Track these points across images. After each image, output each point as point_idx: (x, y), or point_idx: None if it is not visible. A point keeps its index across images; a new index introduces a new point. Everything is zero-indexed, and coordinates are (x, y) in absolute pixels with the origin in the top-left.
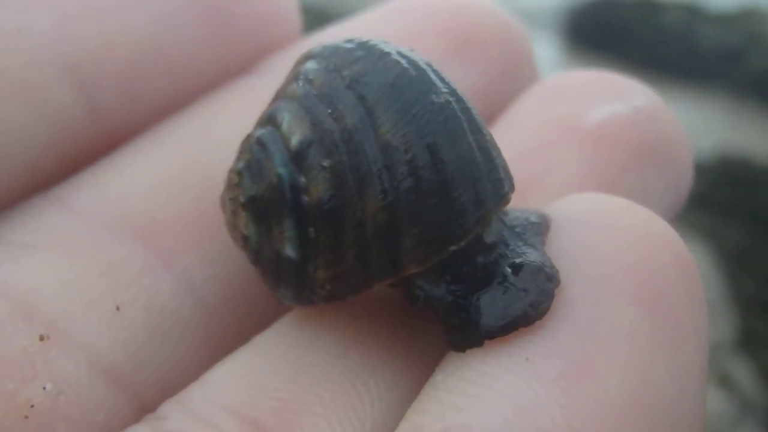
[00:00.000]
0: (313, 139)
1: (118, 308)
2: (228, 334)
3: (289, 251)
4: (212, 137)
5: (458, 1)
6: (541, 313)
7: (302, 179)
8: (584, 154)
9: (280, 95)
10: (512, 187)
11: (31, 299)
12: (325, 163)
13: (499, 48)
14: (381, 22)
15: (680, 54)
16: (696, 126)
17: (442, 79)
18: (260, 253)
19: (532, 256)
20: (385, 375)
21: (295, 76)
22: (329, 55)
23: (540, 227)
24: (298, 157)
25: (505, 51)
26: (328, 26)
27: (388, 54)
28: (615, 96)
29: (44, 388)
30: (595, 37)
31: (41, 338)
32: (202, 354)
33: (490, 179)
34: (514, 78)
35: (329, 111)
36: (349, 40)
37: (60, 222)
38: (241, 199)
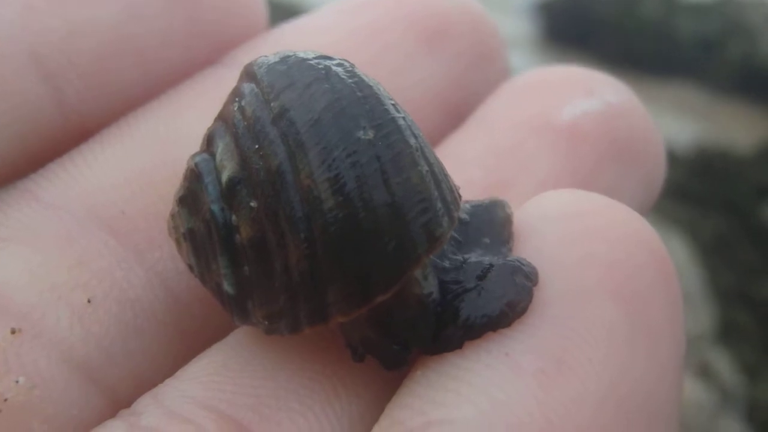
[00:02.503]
0: (242, 177)
1: (89, 301)
2: (201, 329)
3: (227, 287)
4: (180, 130)
5: None
6: (519, 311)
7: (233, 217)
8: (558, 151)
9: (221, 115)
10: (452, 222)
11: (1, 292)
12: (252, 203)
13: (469, 40)
14: (349, 14)
15: (657, 45)
16: (673, 117)
17: (375, 107)
18: (205, 282)
19: (503, 258)
20: (363, 371)
21: (234, 95)
22: (261, 78)
23: (499, 225)
24: (228, 194)
25: (475, 43)
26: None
27: (319, 81)
28: (587, 92)
29: (17, 381)
30: (571, 31)
31: (12, 331)
32: (175, 349)
33: (420, 222)
34: (485, 70)
35: (256, 147)
36: (285, 58)
37: (30, 215)
38: (182, 229)
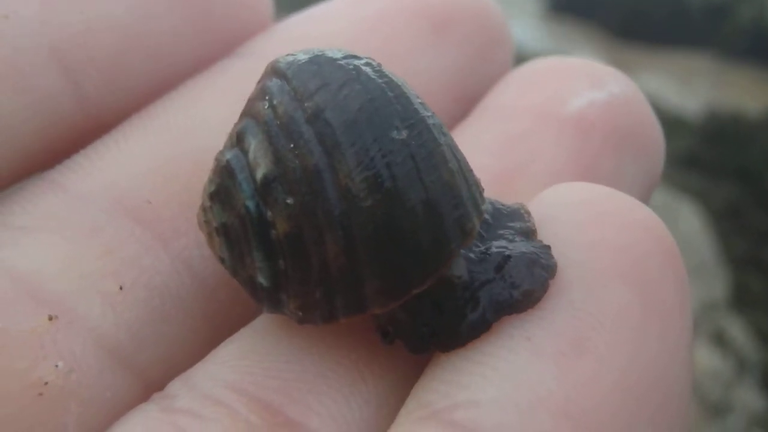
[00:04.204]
0: (277, 174)
1: (121, 288)
2: (227, 314)
3: (262, 280)
4: (199, 121)
5: None
6: (534, 301)
7: (269, 213)
8: (565, 140)
9: (248, 111)
10: (480, 215)
11: (36, 281)
12: (289, 200)
13: (476, 28)
14: (357, 4)
15: (665, 14)
16: (683, 85)
17: (406, 107)
18: (237, 274)
19: (521, 248)
20: (386, 357)
21: (262, 92)
22: (293, 77)
23: (526, 226)
24: (263, 191)
25: (481, 31)
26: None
27: (351, 81)
28: (592, 83)
29: (56, 366)
30: (577, 2)
31: (50, 318)
32: (202, 334)
33: (453, 217)
34: (492, 58)
35: (291, 146)
36: (315, 57)
37: (57, 205)
38: (214, 224)
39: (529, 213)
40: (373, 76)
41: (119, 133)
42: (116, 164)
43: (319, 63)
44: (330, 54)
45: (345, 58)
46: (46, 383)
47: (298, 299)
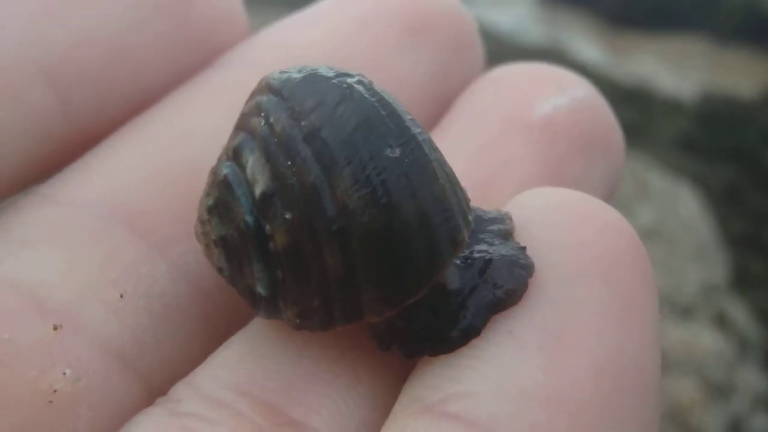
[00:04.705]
0: (276, 190)
1: (121, 296)
2: (222, 318)
3: (261, 289)
4: (188, 130)
5: None
6: (516, 299)
7: (267, 227)
8: (534, 145)
9: (243, 126)
10: (469, 226)
11: (38, 291)
12: (287, 215)
13: (449, 33)
14: (334, 10)
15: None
16: (677, 70)
17: (398, 124)
18: (234, 284)
19: (500, 251)
20: (379, 358)
21: (257, 108)
22: (289, 95)
23: (506, 229)
24: (262, 206)
25: (454, 35)
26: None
27: (346, 101)
28: (556, 89)
29: (64, 373)
30: None
31: (55, 328)
32: (200, 338)
33: (445, 229)
34: (464, 61)
35: (289, 163)
36: (309, 76)
37: (53, 217)
38: (212, 236)
39: (510, 217)
40: (366, 95)
41: (109, 144)
42: (108, 175)
43: (313, 82)
44: (323, 72)
45: (338, 76)
46: (56, 390)
47: (296, 307)
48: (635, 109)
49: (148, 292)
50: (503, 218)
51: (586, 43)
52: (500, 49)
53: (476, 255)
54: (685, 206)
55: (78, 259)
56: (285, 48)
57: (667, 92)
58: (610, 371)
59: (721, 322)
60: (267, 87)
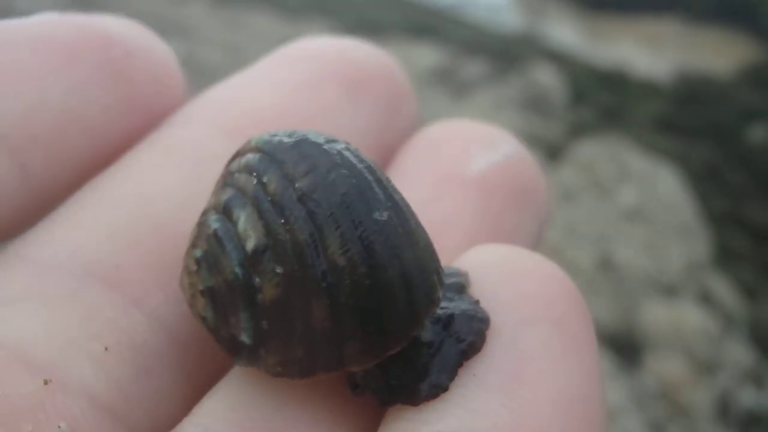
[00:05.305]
0: (268, 245)
1: (106, 349)
2: (201, 367)
3: (244, 338)
4: (150, 187)
5: (345, 45)
6: (477, 349)
7: (257, 279)
8: (471, 202)
9: (232, 183)
10: (443, 284)
11: (25, 349)
12: (278, 270)
13: (385, 87)
14: (277, 71)
15: None
16: (652, 51)
17: (384, 190)
18: (216, 332)
19: (460, 306)
20: (356, 403)
21: (246, 167)
22: (282, 158)
23: (461, 283)
24: (253, 260)
25: (390, 89)
26: (224, 79)
27: (337, 166)
28: (488, 146)
29: (59, 427)
30: None
31: (45, 382)
32: (183, 388)
33: (424, 287)
34: (400, 113)
35: (282, 221)
36: (300, 141)
37: (29, 276)
38: (200, 287)
39: (466, 273)
40: (354, 161)
41: (74, 203)
42: (77, 233)
43: (306, 147)
44: (313, 138)
45: (328, 142)
46: None
47: (278, 356)
48: (613, 92)
49: (131, 345)
50: (457, 272)
51: (563, 28)
52: (477, 38)
53: (440, 311)
54: (665, 186)
55: (59, 315)
56: (234, 107)
57: (643, 74)
58: (563, 403)
59: (706, 299)
60: (257, 148)
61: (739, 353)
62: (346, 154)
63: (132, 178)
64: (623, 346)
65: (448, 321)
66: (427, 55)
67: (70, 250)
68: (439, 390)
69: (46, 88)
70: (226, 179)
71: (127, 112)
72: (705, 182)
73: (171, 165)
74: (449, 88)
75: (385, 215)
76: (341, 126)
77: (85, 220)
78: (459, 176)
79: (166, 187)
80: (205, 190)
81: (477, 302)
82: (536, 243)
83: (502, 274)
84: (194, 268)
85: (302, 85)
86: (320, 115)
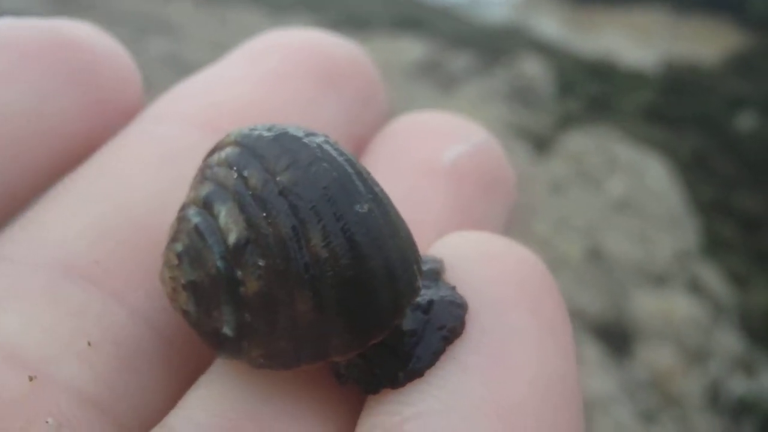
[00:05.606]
0: (249, 238)
1: (89, 344)
2: (184, 361)
3: (227, 331)
4: (120, 182)
5: (313, 36)
6: (457, 334)
7: (239, 272)
8: (442, 190)
9: (212, 177)
10: (421, 273)
11: (9, 347)
12: (261, 262)
13: (356, 79)
14: (246, 64)
15: None
16: (639, 41)
17: (365, 182)
18: (199, 326)
19: (438, 293)
20: (339, 391)
21: (226, 161)
22: (262, 152)
23: (437, 270)
24: (235, 253)
25: (361, 80)
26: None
27: (318, 160)
28: (458, 136)
29: (47, 422)
30: None
31: (30, 379)
32: (166, 382)
33: (405, 277)
34: (371, 108)
35: (264, 215)
36: (281, 135)
37: (9, 274)
38: (182, 281)
39: (441, 260)
40: (334, 154)
41: (48, 202)
42: (54, 231)
43: (285, 141)
44: (293, 132)
45: (307, 136)
46: None
47: (261, 348)
48: (600, 82)
49: (115, 340)
50: (432, 260)
51: (549, 19)
52: (464, 30)
53: (418, 299)
54: (653, 176)
55: (41, 312)
56: (203, 100)
57: (630, 64)
58: (541, 382)
59: (695, 287)
60: (236, 142)
61: (729, 341)
62: (326, 147)
63: (105, 174)
64: (613, 337)
65: (427, 308)
66: (414, 48)
67: (48, 248)
68: (420, 375)
69: (10, 90)
70: (205, 173)
71: (90, 114)
72: (693, 171)
73: (143, 160)
74: (436, 82)
75: (365, 207)
76: (312, 117)
77: (61, 218)
78: (429, 166)
79: (139, 181)
80: (178, 183)
81: (453, 288)
82: (504, 229)
83: (475, 260)
84: (175, 262)
85: (271, 76)
86: (290, 107)
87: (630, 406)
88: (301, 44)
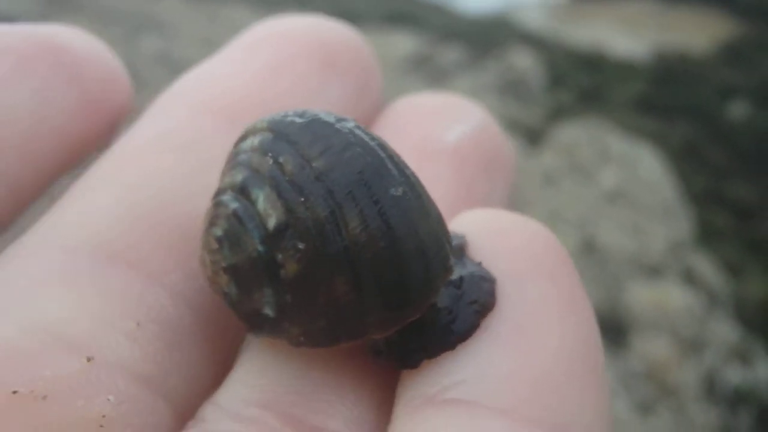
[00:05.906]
0: (289, 223)
1: (138, 324)
2: (225, 338)
3: (268, 311)
4: (147, 172)
5: (314, 24)
6: (489, 308)
7: (279, 256)
8: (445, 170)
9: (247, 163)
10: (453, 252)
11: (58, 330)
12: (300, 245)
13: (354, 63)
14: (247, 51)
15: None
16: (628, 32)
17: (397, 166)
18: (239, 307)
19: (468, 269)
20: (374, 366)
21: (261, 148)
22: (296, 139)
23: (461, 246)
24: (275, 237)
25: (358, 65)
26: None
27: (352, 145)
28: (459, 116)
29: (109, 399)
30: None
31: (88, 359)
32: (210, 359)
33: (438, 257)
34: (369, 89)
35: (302, 199)
36: (313, 121)
37: (53, 260)
38: (222, 264)
39: (464, 236)
40: (366, 139)
41: (77, 191)
42: (90, 217)
43: (317, 126)
44: (325, 118)
45: (338, 121)
46: (104, 416)
47: (302, 327)
48: (591, 74)
49: (159, 320)
50: (456, 236)
51: (539, 12)
52: (454, 24)
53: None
54: (646, 166)
55: (87, 295)
56: (211, 87)
57: (621, 55)
58: (566, 349)
59: (689, 278)
60: (269, 129)
61: (724, 331)
62: (358, 132)
63: (128, 163)
64: (609, 328)
65: (459, 284)
66: (404, 42)
67: (86, 233)
68: (452, 348)
69: (11, 96)
70: (238, 159)
71: (84, 115)
72: (686, 161)
73: (164, 149)
74: (427, 75)
75: (400, 191)
76: (315, 102)
77: (94, 205)
78: (431, 147)
79: (164, 169)
80: (199, 169)
81: (480, 264)
82: (506, 207)
83: (491, 235)
84: (215, 246)
85: (273, 63)
86: (294, 92)
87: (626, 397)
88: (301, 31)
